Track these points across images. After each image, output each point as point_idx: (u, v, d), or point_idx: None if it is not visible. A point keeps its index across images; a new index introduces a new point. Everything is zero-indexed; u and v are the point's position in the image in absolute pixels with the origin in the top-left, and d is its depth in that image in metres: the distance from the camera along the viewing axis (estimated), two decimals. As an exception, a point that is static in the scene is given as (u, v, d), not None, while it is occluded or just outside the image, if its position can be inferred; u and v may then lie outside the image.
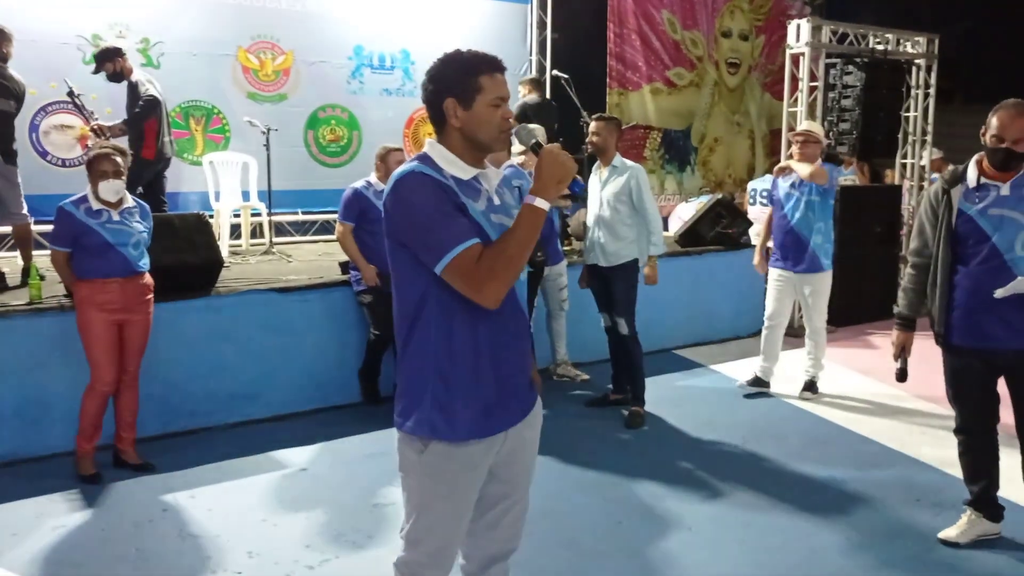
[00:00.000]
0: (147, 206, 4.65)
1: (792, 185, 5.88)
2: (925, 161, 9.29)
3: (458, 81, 2.20)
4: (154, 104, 6.31)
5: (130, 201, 4.49)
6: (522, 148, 5.98)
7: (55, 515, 4.08)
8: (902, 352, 3.81)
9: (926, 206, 3.74)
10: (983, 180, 3.55)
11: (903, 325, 3.83)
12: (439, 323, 2.21)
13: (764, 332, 6.15)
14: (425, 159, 2.23)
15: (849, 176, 9.91)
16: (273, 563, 3.62)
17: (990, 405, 3.71)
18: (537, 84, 8.51)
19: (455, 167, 2.23)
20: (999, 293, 3.46)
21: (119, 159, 4.37)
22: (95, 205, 4.34)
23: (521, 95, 8.23)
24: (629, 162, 5.47)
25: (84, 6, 7.29)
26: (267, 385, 5.49)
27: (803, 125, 6.19)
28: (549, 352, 6.44)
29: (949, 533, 3.80)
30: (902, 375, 3.80)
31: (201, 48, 7.82)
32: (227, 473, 4.63)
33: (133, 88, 6.33)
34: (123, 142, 6.22)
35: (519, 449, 2.39)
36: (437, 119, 2.25)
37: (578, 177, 2.19)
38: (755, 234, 7.49)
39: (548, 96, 8.81)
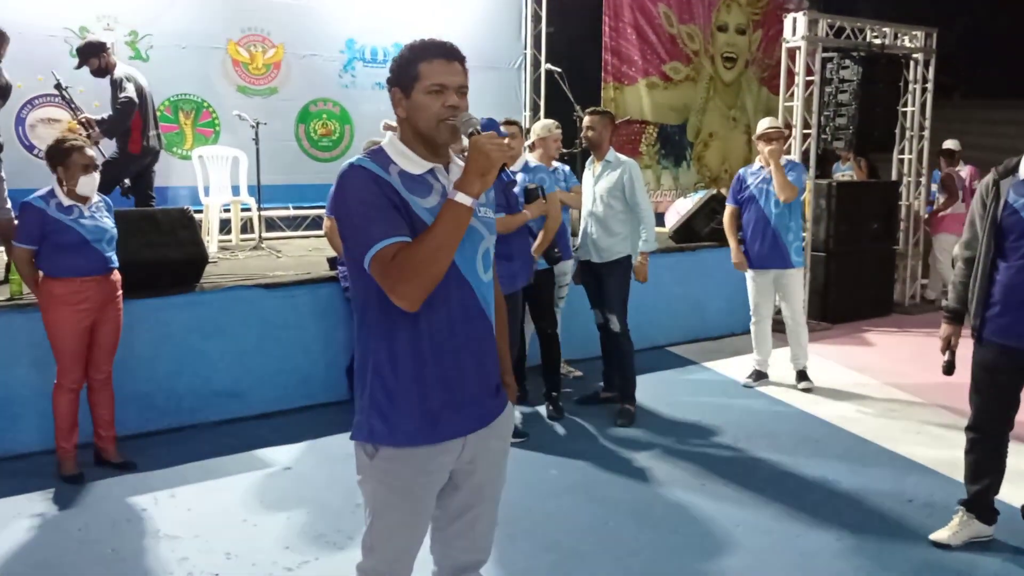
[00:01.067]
0: (111, 201, 4.54)
1: (763, 180, 5.98)
2: (925, 156, 9.21)
3: (400, 70, 2.15)
4: (128, 110, 6.15)
5: (96, 196, 4.38)
6: (534, 139, 5.95)
7: (31, 514, 4.00)
8: (948, 345, 3.73)
9: (977, 198, 3.67)
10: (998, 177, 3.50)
11: (950, 319, 3.75)
12: (380, 324, 2.14)
13: (752, 328, 6.27)
14: (377, 152, 2.16)
15: (846, 172, 9.84)
16: (251, 564, 3.55)
17: (1009, 408, 3.63)
18: None
19: (407, 161, 2.15)
20: None
21: (92, 151, 4.27)
22: (66, 201, 4.22)
23: None
24: (623, 157, 5.41)
25: (71, -2, 7.20)
26: (252, 382, 5.42)
27: (764, 122, 6.15)
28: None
29: (941, 535, 3.73)
30: (949, 368, 3.71)
31: (190, 41, 7.72)
32: (209, 472, 4.55)
33: (115, 86, 6.21)
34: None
35: (482, 459, 2.28)
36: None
37: (505, 169, 2.05)
38: None
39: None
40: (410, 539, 2.27)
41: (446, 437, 2.18)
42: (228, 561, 3.58)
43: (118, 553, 3.65)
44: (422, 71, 2.11)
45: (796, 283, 6.08)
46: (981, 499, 3.72)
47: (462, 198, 2.02)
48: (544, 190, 4.97)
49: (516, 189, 4.82)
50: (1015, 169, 3.54)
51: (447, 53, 2.14)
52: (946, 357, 3.72)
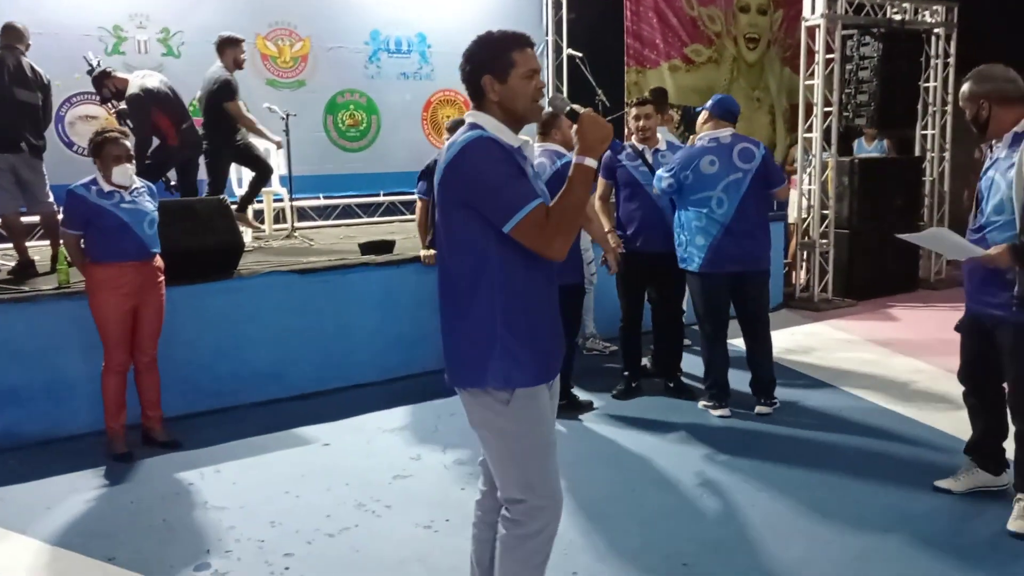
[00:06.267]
0: (153, 186, 4.73)
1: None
2: (948, 131, 9.22)
3: (493, 58, 2.38)
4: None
5: (138, 182, 4.57)
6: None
7: (86, 489, 4.21)
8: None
9: None
10: (994, 141, 3.54)
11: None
12: (503, 281, 2.39)
13: None
14: (482, 128, 2.40)
15: (872, 153, 9.82)
16: (294, 531, 3.72)
17: (986, 362, 3.66)
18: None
19: (506, 136, 2.40)
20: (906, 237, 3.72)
21: (127, 142, 4.47)
22: (106, 187, 4.43)
23: None
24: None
25: (105, -2, 7.40)
26: (290, 365, 5.60)
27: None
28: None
29: (944, 482, 3.93)
30: None
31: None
32: (252, 449, 4.74)
33: (130, 105, 6.28)
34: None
35: (553, 400, 2.63)
36: (477, 95, 2.43)
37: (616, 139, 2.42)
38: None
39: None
40: (555, 463, 2.55)
41: (554, 375, 2.58)
42: (273, 528, 3.76)
43: (168, 523, 3.84)
44: (516, 59, 2.37)
45: None
46: (979, 447, 3.83)
47: (590, 162, 2.33)
48: None
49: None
50: None
51: (530, 42, 2.44)
52: None
